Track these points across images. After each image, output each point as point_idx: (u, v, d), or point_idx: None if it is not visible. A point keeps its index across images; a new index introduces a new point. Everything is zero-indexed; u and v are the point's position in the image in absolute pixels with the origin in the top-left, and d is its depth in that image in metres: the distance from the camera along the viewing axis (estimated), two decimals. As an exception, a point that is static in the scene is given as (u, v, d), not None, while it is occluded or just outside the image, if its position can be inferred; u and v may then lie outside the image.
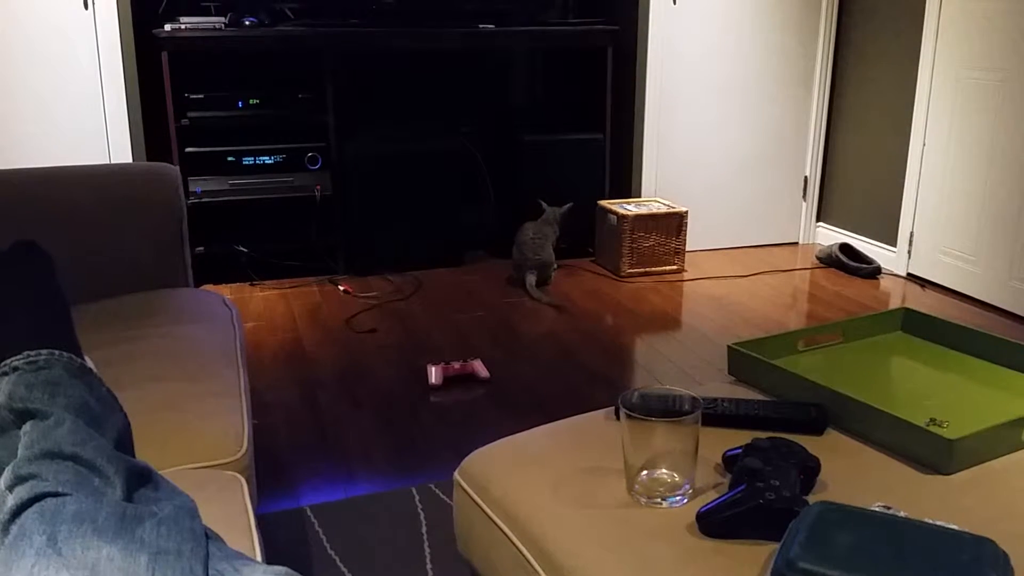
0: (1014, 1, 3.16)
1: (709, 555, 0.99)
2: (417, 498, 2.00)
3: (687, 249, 3.82)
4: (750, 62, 3.93)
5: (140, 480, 0.97)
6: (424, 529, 1.89)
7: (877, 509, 1.00)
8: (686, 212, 3.75)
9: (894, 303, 3.45)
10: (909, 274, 3.72)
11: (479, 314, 3.25)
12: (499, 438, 1.32)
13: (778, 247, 4.18)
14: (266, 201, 3.53)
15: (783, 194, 4.16)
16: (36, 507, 0.84)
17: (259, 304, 3.34)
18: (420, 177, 3.69)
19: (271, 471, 2.14)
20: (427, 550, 1.81)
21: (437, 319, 3.20)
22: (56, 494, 0.87)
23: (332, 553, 1.80)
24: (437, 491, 2.03)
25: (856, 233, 4.00)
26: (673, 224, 3.73)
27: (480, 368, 2.66)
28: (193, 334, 1.72)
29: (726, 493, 1.05)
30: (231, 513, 1.12)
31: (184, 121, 3.37)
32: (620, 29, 3.83)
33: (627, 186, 3.99)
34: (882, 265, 3.79)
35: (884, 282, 3.68)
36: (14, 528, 0.83)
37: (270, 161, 3.50)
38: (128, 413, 1.12)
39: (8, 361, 1.08)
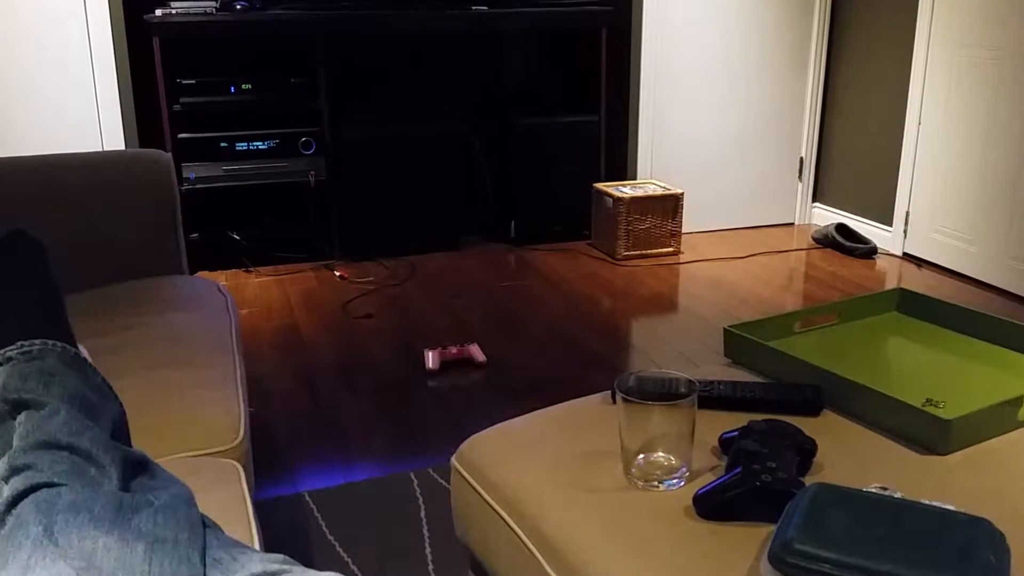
0: (1010, -22, 3.15)
1: (706, 537, 0.99)
2: (415, 483, 2.01)
3: (683, 231, 3.81)
4: (745, 43, 3.92)
5: (136, 469, 0.97)
6: (423, 513, 1.89)
7: (874, 490, 1.01)
8: (682, 194, 3.74)
9: (890, 283, 3.45)
10: (905, 254, 3.72)
11: (475, 298, 3.25)
12: (496, 422, 1.32)
13: (774, 228, 4.18)
14: (260, 187, 3.51)
15: (779, 175, 4.15)
16: (32, 498, 0.84)
17: (254, 290, 3.34)
18: (415, 161, 3.67)
19: (269, 458, 2.14)
20: (426, 534, 1.82)
21: (433, 304, 3.19)
22: (52, 484, 0.86)
23: (331, 538, 1.80)
24: (435, 475, 2.03)
25: (852, 213, 4.00)
26: (669, 206, 3.72)
27: (477, 352, 2.66)
28: (188, 322, 1.71)
29: (723, 476, 1.06)
30: (228, 501, 1.12)
31: (176, 107, 3.35)
32: (614, 9, 3.80)
33: (623, 168, 3.98)
34: (878, 245, 3.78)
35: (880, 262, 3.69)
36: (10, 519, 0.83)
37: (264, 147, 3.48)
38: (123, 402, 1.12)
39: (2, 351, 1.08)
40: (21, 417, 0.99)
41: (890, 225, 3.78)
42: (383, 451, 2.19)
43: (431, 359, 2.62)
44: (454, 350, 2.66)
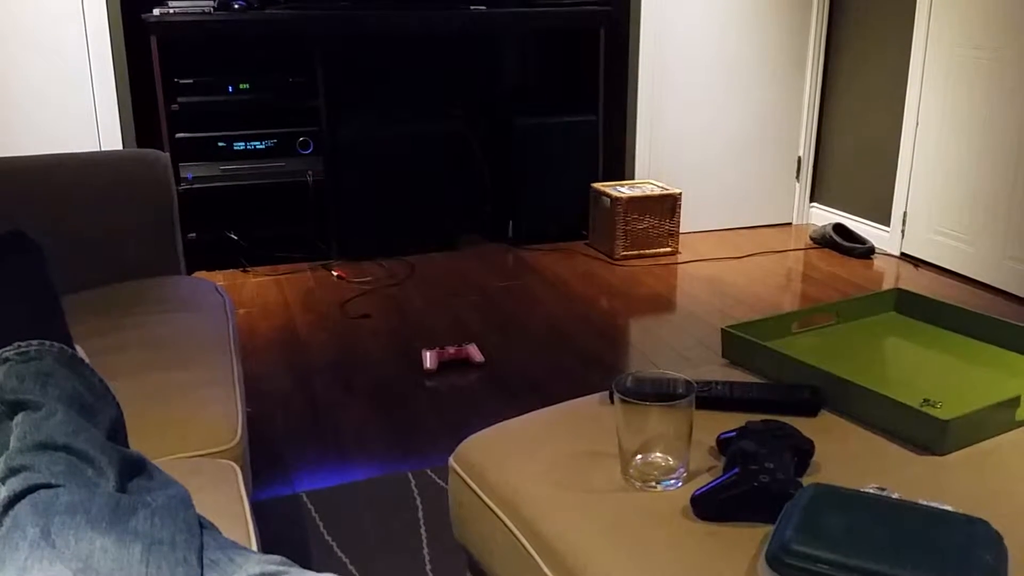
0: (1007, -22, 3.15)
1: (703, 538, 0.99)
2: (413, 483, 2.01)
3: (681, 231, 3.81)
4: (743, 42, 3.92)
5: (133, 470, 0.96)
6: (420, 514, 1.89)
7: (871, 491, 1.01)
8: (679, 194, 3.74)
9: (888, 283, 3.45)
10: (903, 254, 3.72)
11: (473, 298, 3.24)
12: (494, 422, 1.32)
13: (772, 228, 4.18)
14: (258, 187, 3.51)
15: (777, 175, 4.15)
16: (29, 499, 0.84)
17: (252, 290, 3.34)
18: (413, 161, 3.67)
19: (266, 458, 2.14)
20: (423, 535, 1.82)
21: (431, 304, 3.19)
22: (49, 485, 0.86)
23: (329, 539, 1.80)
24: (433, 476, 2.03)
25: (850, 213, 4.00)
26: (667, 206, 3.72)
27: (475, 352, 2.66)
28: (185, 322, 1.71)
29: (720, 476, 1.06)
30: (226, 502, 1.12)
31: (174, 107, 3.35)
32: (612, 9, 3.80)
33: (620, 168, 3.97)
34: (876, 245, 3.79)
35: (878, 262, 3.69)
36: (7, 520, 0.82)
37: (261, 146, 3.48)
38: (121, 403, 1.11)
39: (-1, 352, 1.08)
40: (18, 418, 0.98)
41: (888, 225, 3.79)
42: (381, 452, 2.18)
43: (429, 359, 2.62)
44: (452, 350, 2.66)
